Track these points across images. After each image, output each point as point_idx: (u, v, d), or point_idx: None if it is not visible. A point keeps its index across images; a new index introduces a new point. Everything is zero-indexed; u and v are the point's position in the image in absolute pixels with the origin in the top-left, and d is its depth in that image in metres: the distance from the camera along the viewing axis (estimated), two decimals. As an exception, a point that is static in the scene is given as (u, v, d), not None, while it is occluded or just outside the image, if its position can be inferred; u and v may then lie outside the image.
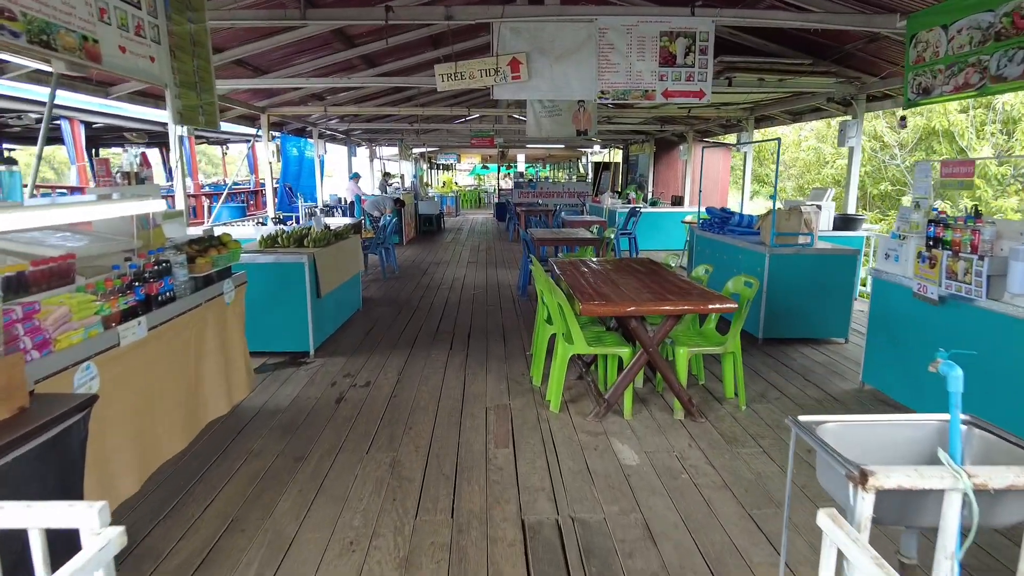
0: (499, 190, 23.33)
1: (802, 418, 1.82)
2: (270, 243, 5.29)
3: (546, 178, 31.48)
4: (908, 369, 3.88)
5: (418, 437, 3.50)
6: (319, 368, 4.71)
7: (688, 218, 10.10)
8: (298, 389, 4.27)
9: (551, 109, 7.01)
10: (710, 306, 3.44)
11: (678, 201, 13.32)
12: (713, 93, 8.73)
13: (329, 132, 14.76)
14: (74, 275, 2.46)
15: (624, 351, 3.70)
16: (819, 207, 5.96)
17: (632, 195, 13.60)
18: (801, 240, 5.45)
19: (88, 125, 12.43)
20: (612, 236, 7.68)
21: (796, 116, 10.76)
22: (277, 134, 13.07)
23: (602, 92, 4.38)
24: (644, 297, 3.56)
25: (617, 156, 21.39)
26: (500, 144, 17.92)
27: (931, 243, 3.53)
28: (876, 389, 4.28)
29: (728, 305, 3.43)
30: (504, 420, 3.71)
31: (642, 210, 10.95)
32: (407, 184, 19.10)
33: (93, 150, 15.05)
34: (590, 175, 22.58)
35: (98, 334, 2.38)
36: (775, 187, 5.32)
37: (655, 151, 16.79)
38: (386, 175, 17.83)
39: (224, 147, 20.26)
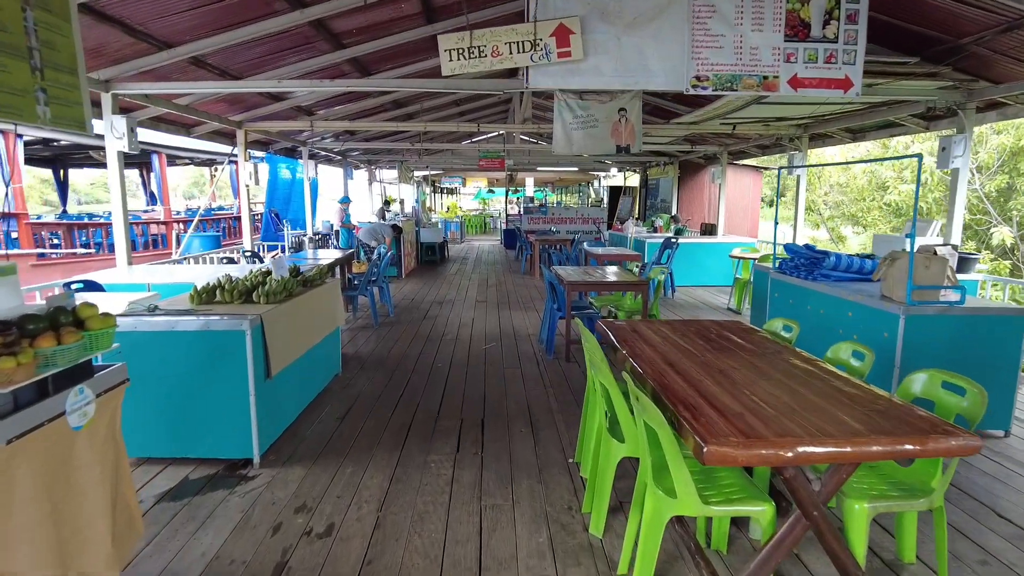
0: (507, 215, 21.93)
1: None
2: (207, 297, 3.78)
3: (557, 202, 30.26)
4: None
5: None
6: (263, 490, 3.16)
7: (736, 251, 8.59)
8: (222, 539, 2.71)
9: (585, 120, 5.55)
10: (932, 445, 1.89)
11: (709, 229, 11.84)
12: (774, 104, 7.31)
13: (323, 153, 13.38)
14: None
15: (762, 510, 2.15)
16: (955, 248, 4.45)
17: (660, 223, 12.12)
18: (946, 296, 3.94)
19: (47, 143, 11.08)
20: (661, 277, 6.15)
21: (856, 134, 9.35)
22: (261, 153, 11.68)
23: (697, 79, 2.88)
24: (807, 420, 2.01)
25: (633, 179, 20.02)
26: (510, 166, 16.59)
27: None
28: None
29: (973, 444, 1.89)
30: (555, 632, 2.14)
31: (679, 241, 9.44)
32: (407, 209, 17.73)
33: (61, 171, 13.69)
34: (605, 200, 21.23)
35: None
36: (914, 222, 3.82)
37: (679, 174, 15.40)
38: (387, 201, 16.43)
39: (213, 168, 18.99)
